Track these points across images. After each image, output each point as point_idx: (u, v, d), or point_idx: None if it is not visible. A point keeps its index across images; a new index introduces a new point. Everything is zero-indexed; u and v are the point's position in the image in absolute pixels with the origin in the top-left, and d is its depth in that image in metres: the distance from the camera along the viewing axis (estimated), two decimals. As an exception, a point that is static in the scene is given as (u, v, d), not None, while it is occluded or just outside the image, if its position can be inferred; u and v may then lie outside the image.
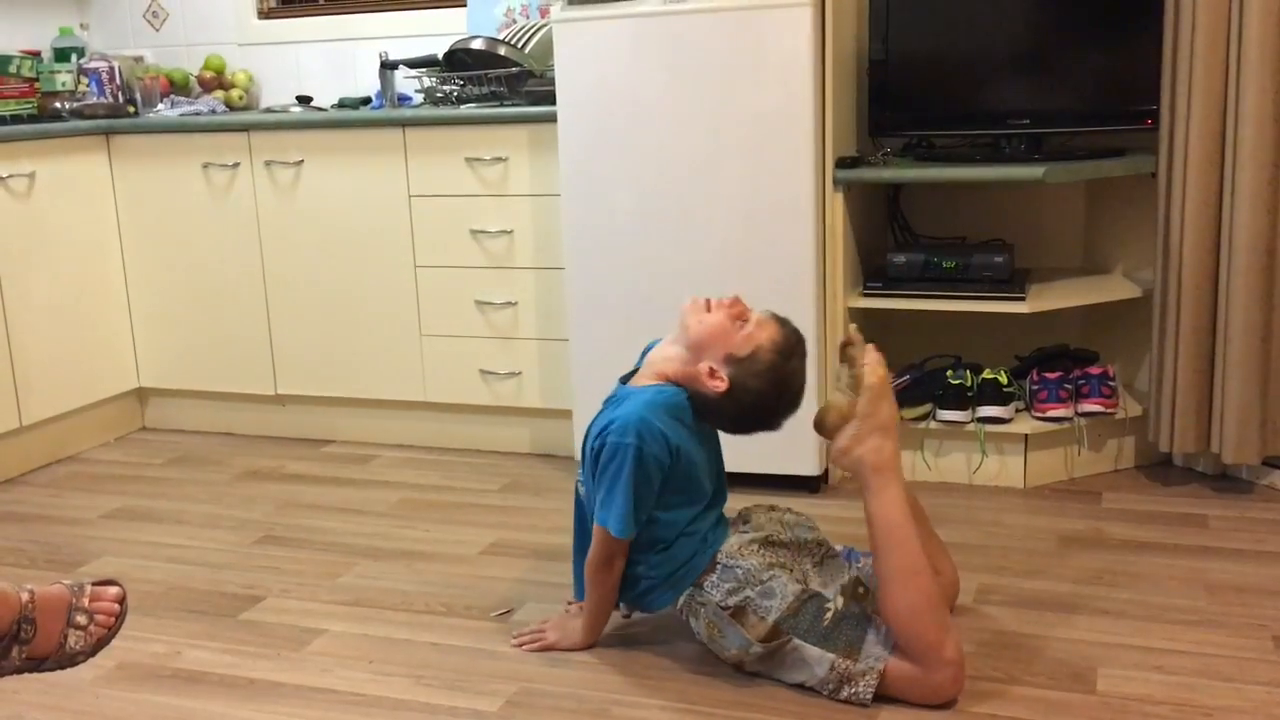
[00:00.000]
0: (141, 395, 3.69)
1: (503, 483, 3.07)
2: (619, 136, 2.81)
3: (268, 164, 3.34)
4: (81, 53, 3.87)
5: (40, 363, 3.29)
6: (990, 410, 2.82)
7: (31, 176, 3.25)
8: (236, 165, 3.37)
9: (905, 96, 2.93)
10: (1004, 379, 2.84)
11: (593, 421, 2.10)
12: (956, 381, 2.84)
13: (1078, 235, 3.15)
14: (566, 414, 3.10)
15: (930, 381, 2.90)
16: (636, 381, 2.12)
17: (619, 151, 2.82)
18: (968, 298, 2.80)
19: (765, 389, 2.00)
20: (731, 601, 1.95)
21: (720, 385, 2.00)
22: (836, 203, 2.77)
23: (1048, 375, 2.85)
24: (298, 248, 3.38)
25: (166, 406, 3.69)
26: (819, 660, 1.89)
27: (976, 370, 2.89)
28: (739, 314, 2.03)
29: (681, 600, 2.03)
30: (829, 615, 1.90)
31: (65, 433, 3.42)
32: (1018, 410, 2.88)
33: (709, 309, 2.04)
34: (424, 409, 3.39)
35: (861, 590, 1.93)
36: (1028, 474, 2.85)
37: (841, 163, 2.77)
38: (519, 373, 3.23)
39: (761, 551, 1.99)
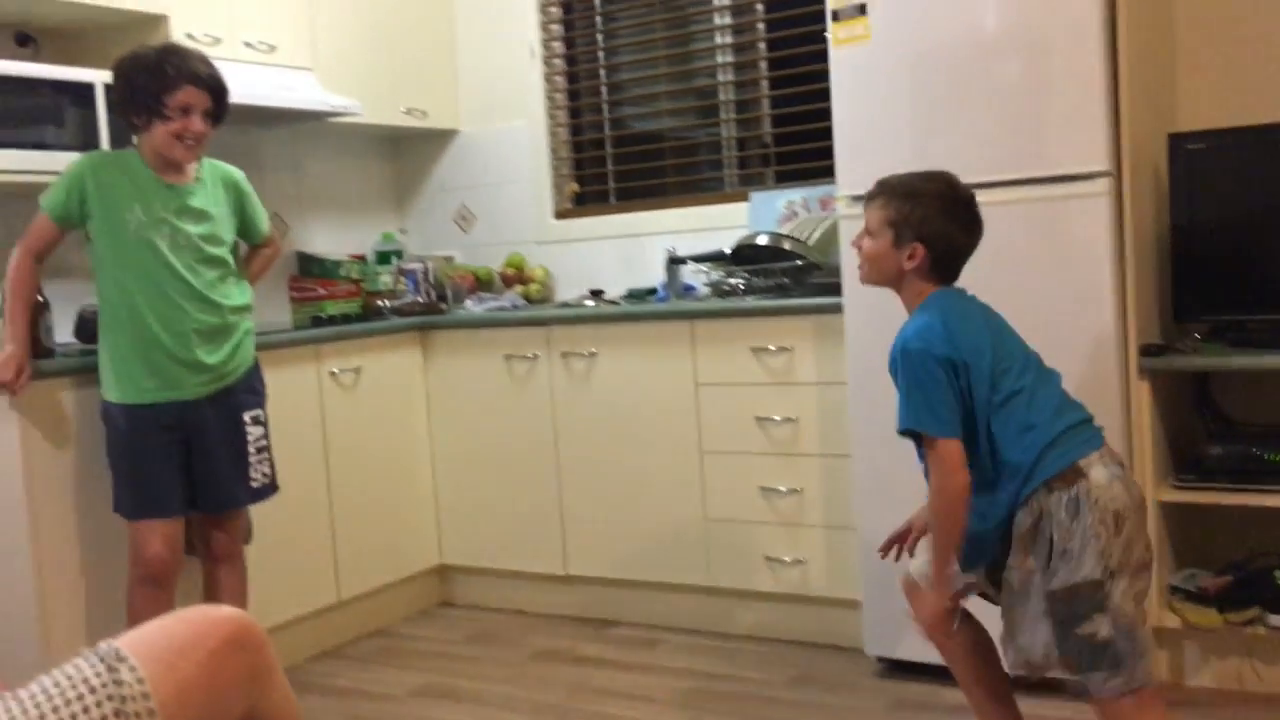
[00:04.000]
0: (443, 572, 3.90)
1: (790, 675, 3.03)
2: (908, 327, 2.82)
3: (564, 355, 3.54)
4: (400, 255, 4.27)
5: (357, 541, 3.54)
6: (1329, 616, 2.57)
7: (358, 371, 3.57)
8: (535, 357, 3.60)
9: (1212, 278, 2.80)
10: (1343, 581, 2.59)
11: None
12: (1287, 583, 2.62)
13: None
14: (854, 604, 3.04)
15: (1256, 582, 2.67)
16: None
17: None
18: (1296, 492, 2.59)
19: (945, 220, 2.10)
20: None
21: (916, 254, 2.08)
22: (1142, 391, 2.66)
23: (1396, 578, 2.58)
24: (589, 434, 3.54)
25: (466, 583, 3.88)
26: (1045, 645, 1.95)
27: (1310, 571, 2.65)
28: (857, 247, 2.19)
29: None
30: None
31: (376, 607, 3.65)
32: (1362, 616, 2.61)
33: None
34: (708, 593, 3.41)
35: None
36: (1379, 689, 2.56)
37: (1147, 350, 2.66)
38: (805, 560, 3.21)
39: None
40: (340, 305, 3.92)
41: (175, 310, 2.66)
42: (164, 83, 2.58)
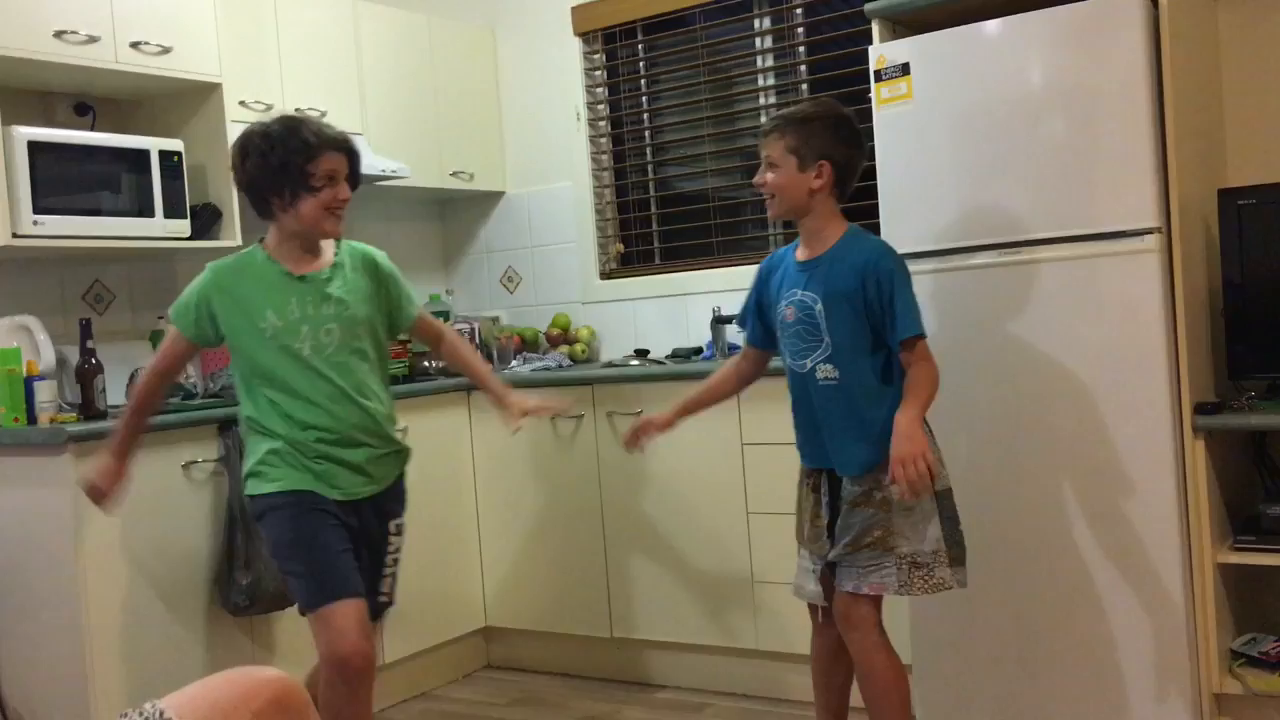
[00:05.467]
0: (488, 634, 3.88)
1: (840, 740, 2.96)
2: (959, 381, 2.79)
3: (610, 415, 3.54)
4: (447, 315, 4.30)
5: (402, 603, 3.50)
6: (1400, 683, 2.49)
7: (404, 432, 3.58)
8: (581, 416, 3.59)
9: (1266, 334, 2.75)
10: None
11: (797, 290, 2.39)
12: (1354, 649, 2.54)
13: None
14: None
15: (1322, 647, 2.60)
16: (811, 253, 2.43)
17: (956, 397, 2.79)
18: (1361, 554, 2.52)
19: (839, 139, 2.35)
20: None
21: (822, 172, 2.33)
22: (1198, 450, 2.61)
23: None
24: (635, 494, 3.52)
25: (510, 645, 3.85)
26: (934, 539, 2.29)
27: (1378, 636, 2.57)
28: (762, 184, 2.40)
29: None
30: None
31: (420, 669, 3.63)
32: None
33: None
34: (756, 656, 3.36)
35: None
36: None
37: (1201, 408, 2.61)
38: (853, 623, 3.15)
39: None
40: (390, 367, 3.95)
41: (327, 417, 2.44)
42: (307, 152, 2.38)
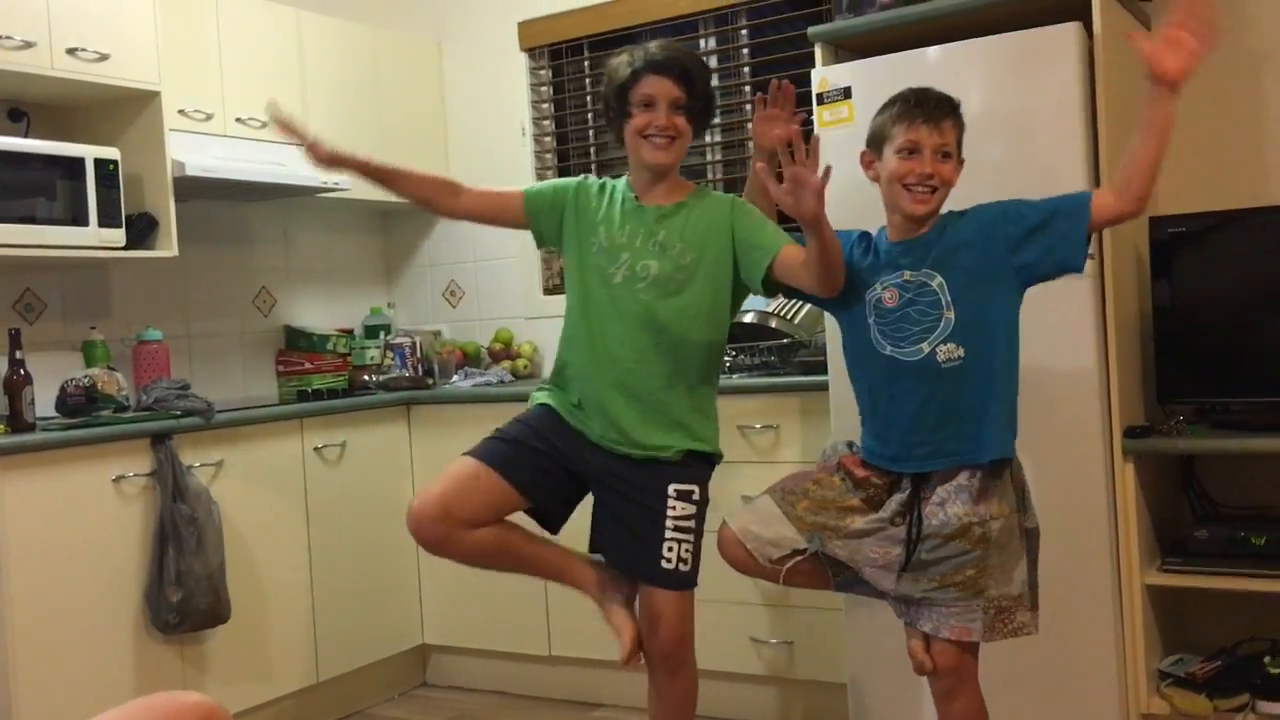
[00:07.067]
0: (424, 652, 3.84)
1: (775, 760, 2.97)
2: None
3: (550, 431, 3.52)
4: (388, 329, 4.27)
5: (337, 620, 3.49)
6: (1320, 703, 2.54)
7: (342, 446, 3.55)
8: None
9: (1195, 360, 2.81)
10: (1334, 667, 2.56)
11: (902, 273, 2.20)
12: (1276, 671, 2.58)
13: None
14: (839, 687, 3.00)
15: (1245, 669, 2.65)
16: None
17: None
18: (1283, 577, 2.58)
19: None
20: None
21: (961, 168, 2.16)
22: (1127, 473, 2.65)
23: (1387, 664, 2.56)
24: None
25: (447, 663, 3.82)
26: (1020, 582, 2.14)
27: (1300, 657, 2.62)
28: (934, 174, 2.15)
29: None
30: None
31: (354, 688, 3.58)
32: (1353, 703, 2.57)
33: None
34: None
35: None
36: (1372, 779, 2.52)
37: (1131, 432, 2.66)
38: (791, 641, 3.17)
39: None
40: (326, 380, 3.92)
41: (605, 360, 2.35)
42: (626, 79, 2.33)
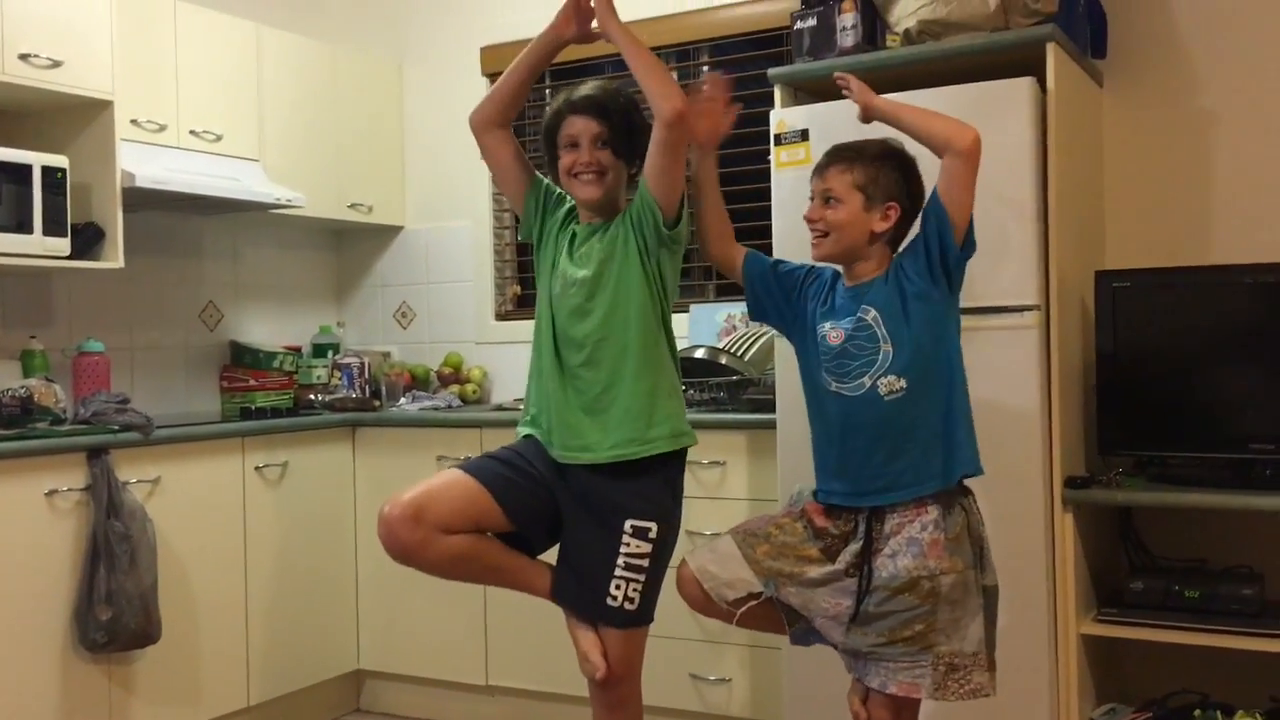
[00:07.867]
0: (359, 677, 3.79)
1: (710, 798, 2.95)
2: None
3: (496, 459, 3.50)
4: (337, 349, 4.23)
5: (271, 642, 3.43)
6: (1247, 757, 2.57)
7: (284, 466, 3.50)
8: (467, 458, 3.54)
9: (1135, 413, 2.85)
10: (1261, 722, 2.60)
11: (848, 317, 2.20)
12: (1206, 723, 2.62)
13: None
14: (777, 727, 3.00)
15: (1176, 720, 2.68)
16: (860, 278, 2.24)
17: (838, 463, 2.83)
18: (1214, 631, 2.61)
19: (909, 183, 2.20)
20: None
21: (889, 215, 2.17)
22: (1066, 522, 2.68)
23: (1313, 720, 2.59)
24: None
25: (382, 690, 3.77)
26: (975, 640, 2.09)
27: (1228, 711, 2.65)
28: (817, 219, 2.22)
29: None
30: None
31: (286, 712, 3.52)
32: (1279, 758, 2.61)
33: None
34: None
35: None
36: (1296, 834, 2.55)
37: (1071, 482, 2.69)
38: (729, 679, 3.16)
39: None
40: (271, 397, 3.87)
41: (545, 379, 2.38)
42: (550, 122, 2.39)
